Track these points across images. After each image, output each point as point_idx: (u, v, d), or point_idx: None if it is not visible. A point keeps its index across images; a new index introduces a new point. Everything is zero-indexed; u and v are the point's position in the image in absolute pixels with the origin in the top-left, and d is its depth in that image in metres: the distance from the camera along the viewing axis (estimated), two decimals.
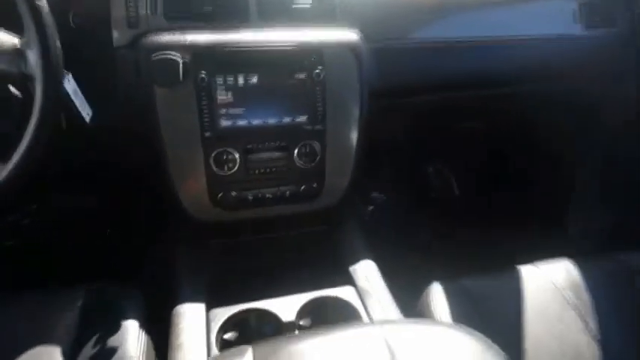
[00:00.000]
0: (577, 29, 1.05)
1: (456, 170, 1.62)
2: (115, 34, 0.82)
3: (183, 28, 0.82)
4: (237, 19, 0.85)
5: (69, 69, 0.74)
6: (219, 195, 0.88)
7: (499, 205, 1.52)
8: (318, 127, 0.88)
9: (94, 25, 0.82)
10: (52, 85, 0.65)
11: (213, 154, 0.85)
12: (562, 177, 1.37)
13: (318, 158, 0.90)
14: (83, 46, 0.81)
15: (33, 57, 0.66)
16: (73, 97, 0.80)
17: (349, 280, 0.89)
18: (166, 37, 0.80)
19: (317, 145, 0.89)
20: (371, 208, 1.54)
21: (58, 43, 0.66)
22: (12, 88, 0.75)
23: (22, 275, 1.13)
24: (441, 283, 0.80)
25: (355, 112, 0.90)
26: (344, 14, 0.89)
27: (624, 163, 1.25)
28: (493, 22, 1.02)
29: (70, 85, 0.81)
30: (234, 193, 0.89)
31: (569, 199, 1.37)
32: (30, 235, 1.28)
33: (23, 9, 0.64)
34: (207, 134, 0.83)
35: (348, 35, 0.89)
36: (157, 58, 0.77)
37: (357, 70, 0.88)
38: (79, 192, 1.29)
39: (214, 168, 0.85)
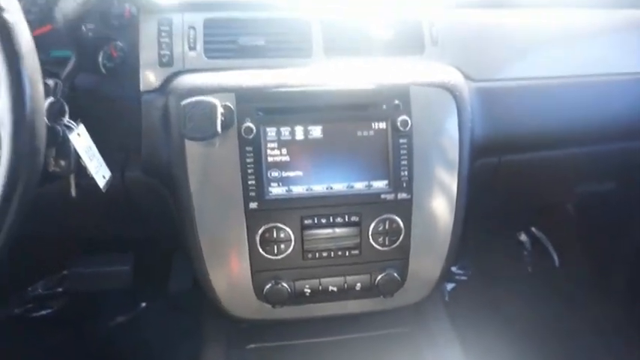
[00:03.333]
0: None
1: (557, 239, 1.37)
2: (144, 76, 0.71)
3: (227, 67, 0.71)
4: (296, 54, 0.73)
5: (89, 122, 0.66)
6: (267, 287, 0.73)
7: (616, 286, 1.24)
8: (402, 195, 0.72)
9: (128, 68, 0.72)
10: (25, 135, 0.46)
11: (259, 232, 0.71)
12: None
13: (401, 238, 0.74)
14: (109, 94, 0.73)
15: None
16: (84, 155, 0.69)
17: None
18: (203, 77, 0.70)
19: (400, 220, 0.73)
20: (451, 286, 1.32)
21: (39, 76, 0.49)
22: None
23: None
24: None
25: (453, 175, 0.74)
26: (435, 46, 0.76)
27: None
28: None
29: (80, 140, 0.68)
30: (285, 284, 0.73)
31: None
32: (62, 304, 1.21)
33: None
34: (253, 205, 0.70)
35: (445, 71, 0.74)
36: (188, 102, 0.64)
37: (456, 118, 0.73)
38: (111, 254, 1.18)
39: (261, 250, 0.71)
